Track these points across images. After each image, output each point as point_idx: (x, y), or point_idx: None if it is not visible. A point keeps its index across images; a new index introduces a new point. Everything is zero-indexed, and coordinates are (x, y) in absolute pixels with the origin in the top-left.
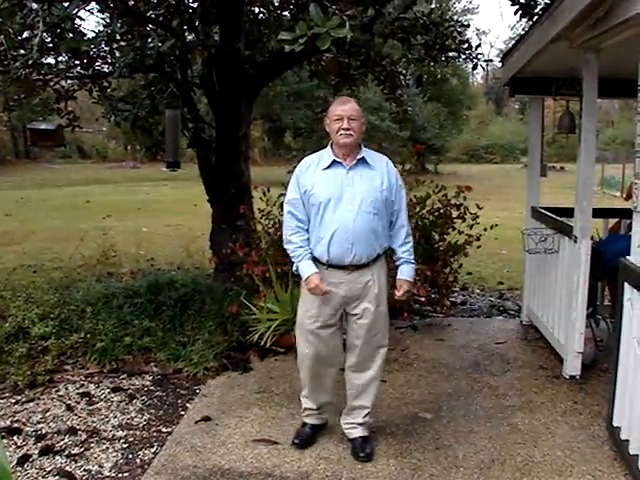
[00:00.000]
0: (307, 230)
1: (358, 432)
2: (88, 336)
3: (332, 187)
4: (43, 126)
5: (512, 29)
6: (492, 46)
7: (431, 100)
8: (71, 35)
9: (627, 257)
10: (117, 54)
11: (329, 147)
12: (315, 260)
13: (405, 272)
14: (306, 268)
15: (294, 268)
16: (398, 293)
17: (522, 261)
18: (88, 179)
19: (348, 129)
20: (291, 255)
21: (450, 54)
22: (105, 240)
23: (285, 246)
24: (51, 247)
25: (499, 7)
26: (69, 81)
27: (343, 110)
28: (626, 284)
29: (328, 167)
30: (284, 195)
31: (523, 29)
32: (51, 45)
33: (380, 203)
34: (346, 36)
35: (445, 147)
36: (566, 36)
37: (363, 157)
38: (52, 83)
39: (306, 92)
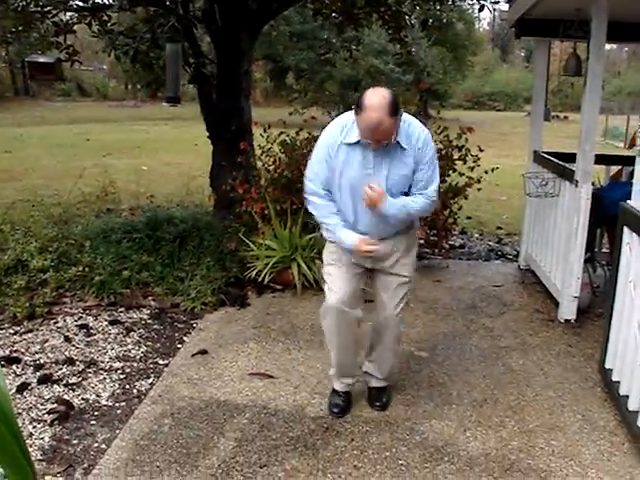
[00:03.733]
0: (332, 195)
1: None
2: (86, 270)
3: (353, 171)
4: (42, 59)
5: None
6: (498, 1)
7: (436, 44)
8: None
9: (628, 201)
10: None
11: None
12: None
13: (392, 200)
14: (348, 237)
15: (326, 235)
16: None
17: (522, 207)
18: (88, 117)
19: (381, 140)
20: (324, 221)
21: None
22: (105, 177)
23: (310, 202)
24: (50, 184)
25: None
26: (68, 14)
27: (374, 133)
28: (625, 228)
29: (353, 144)
30: (284, 133)
31: None
32: None
33: (408, 181)
34: None
35: (449, 93)
36: None
37: (398, 142)
38: (50, 15)
39: (309, 33)
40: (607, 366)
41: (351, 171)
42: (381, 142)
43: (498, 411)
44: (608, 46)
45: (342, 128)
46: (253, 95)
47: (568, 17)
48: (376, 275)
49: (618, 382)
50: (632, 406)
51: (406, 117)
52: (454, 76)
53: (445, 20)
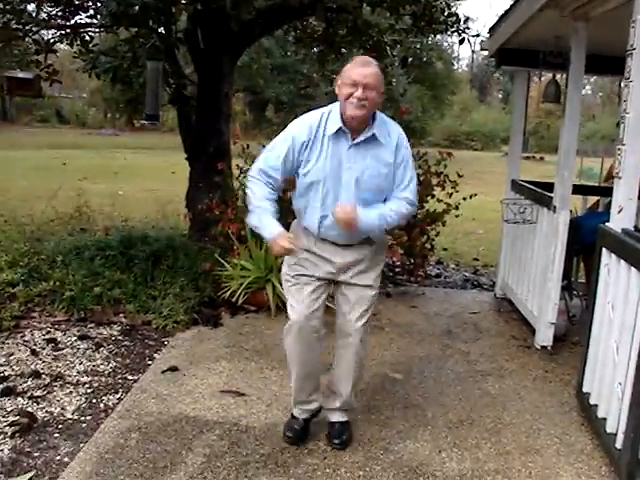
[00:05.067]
0: (275, 190)
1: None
2: (57, 285)
3: (329, 164)
4: (21, 75)
5: None
6: (479, 35)
7: (415, 82)
8: None
9: (606, 223)
10: (100, 5)
11: (338, 108)
12: (305, 229)
13: (367, 214)
14: (271, 227)
15: (249, 221)
16: (336, 210)
17: (498, 241)
18: (66, 143)
19: (362, 99)
20: (253, 202)
21: (438, 27)
22: (79, 199)
23: (252, 181)
24: (24, 204)
25: None
26: (50, 32)
27: (361, 75)
28: (604, 249)
29: (333, 135)
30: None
31: None
32: None
33: (383, 181)
34: None
35: (426, 130)
36: (556, 3)
37: (373, 134)
38: (32, 33)
39: (290, 66)
40: (585, 390)
41: (327, 165)
42: (363, 101)
43: (474, 433)
44: (583, 91)
45: (320, 119)
46: (233, 128)
47: (547, 47)
48: (338, 288)
49: (596, 405)
50: (610, 428)
51: (383, 115)
52: (432, 114)
53: (425, 59)
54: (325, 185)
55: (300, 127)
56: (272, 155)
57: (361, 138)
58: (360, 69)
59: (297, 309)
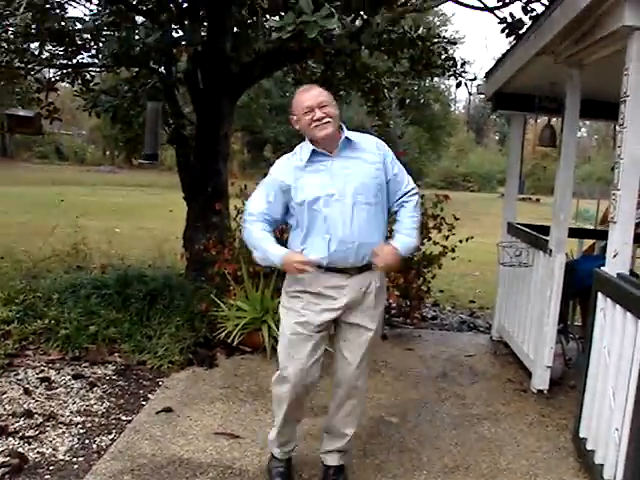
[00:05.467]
0: (271, 225)
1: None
2: (52, 323)
3: (318, 182)
4: (21, 113)
5: None
6: (476, 77)
7: (413, 124)
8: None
9: (602, 267)
10: (101, 46)
11: (306, 141)
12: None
13: (399, 240)
14: (277, 250)
15: (258, 257)
16: (375, 259)
17: (494, 282)
18: (64, 180)
19: (324, 117)
20: (252, 239)
21: (435, 70)
22: (77, 236)
23: (246, 229)
24: (21, 240)
25: (485, 38)
26: (51, 71)
27: (311, 97)
28: (599, 294)
29: (309, 161)
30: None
31: None
32: (35, 31)
33: (376, 188)
34: (334, 27)
35: (423, 172)
36: (551, 50)
37: (346, 137)
38: (34, 72)
39: (289, 106)
40: (581, 435)
41: (316, 187)
42: (325, 118)
43: (470, 478)
44: (578, 134)
45: (296, 153)
46: (230, 167)
47: (543, 92)
48: (340, 330)
49: (593, 451)
50: (607, 475)
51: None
52: (429, 156)
53: (422, 101)
54: (324, 204)
55: (280, 165)
56: (259, 196)
57: (337, 149)
58: (307, 94)
59: (296, 361)
